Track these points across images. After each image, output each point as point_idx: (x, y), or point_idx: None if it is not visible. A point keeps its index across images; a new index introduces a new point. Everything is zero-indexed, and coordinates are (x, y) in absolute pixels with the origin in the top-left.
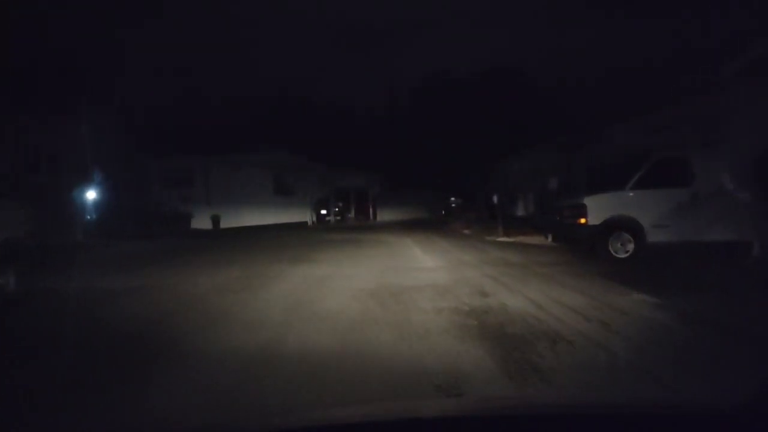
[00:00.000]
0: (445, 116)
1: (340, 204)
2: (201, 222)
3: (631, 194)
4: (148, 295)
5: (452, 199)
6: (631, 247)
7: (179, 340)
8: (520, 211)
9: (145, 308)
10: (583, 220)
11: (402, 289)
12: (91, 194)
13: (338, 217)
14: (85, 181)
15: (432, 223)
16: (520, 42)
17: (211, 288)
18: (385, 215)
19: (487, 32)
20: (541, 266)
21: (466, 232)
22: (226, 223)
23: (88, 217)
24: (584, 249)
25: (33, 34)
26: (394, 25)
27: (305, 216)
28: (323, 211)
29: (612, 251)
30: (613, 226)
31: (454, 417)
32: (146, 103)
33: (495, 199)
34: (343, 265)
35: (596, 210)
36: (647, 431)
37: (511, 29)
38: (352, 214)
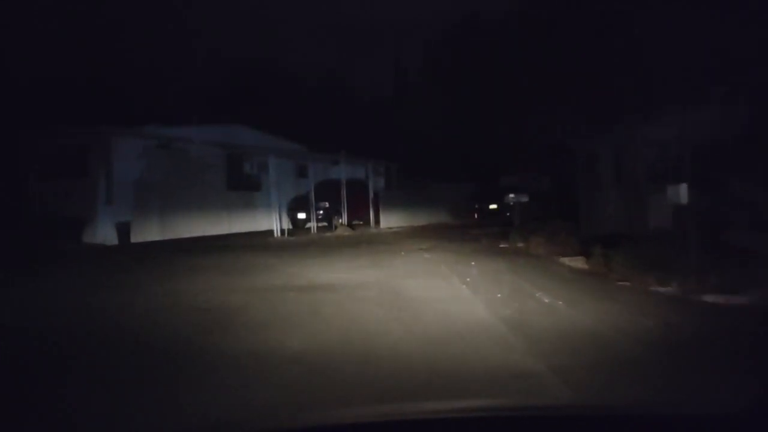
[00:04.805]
0: (481, 75)
1: (327, 204)
2: (106, 231)
3: None
4: None
5: (511, 196)
6: None
7: None
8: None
9: None
10: None
11: None
12: None
13: (324, 223)
14: None
15: (471, 234)
16: None
17: None
18: (391, 219)
19: None
20: None
21: (575, 264)
22: (144, 234)
23: None
24: None
25: None
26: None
27: (274, 221)
28: (301, 215)
29: None
30: None
31: (454, 417)
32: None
33: (681, 195)
34: None
35: None
36: (647, 431)
37: None
38: (343, 219)
